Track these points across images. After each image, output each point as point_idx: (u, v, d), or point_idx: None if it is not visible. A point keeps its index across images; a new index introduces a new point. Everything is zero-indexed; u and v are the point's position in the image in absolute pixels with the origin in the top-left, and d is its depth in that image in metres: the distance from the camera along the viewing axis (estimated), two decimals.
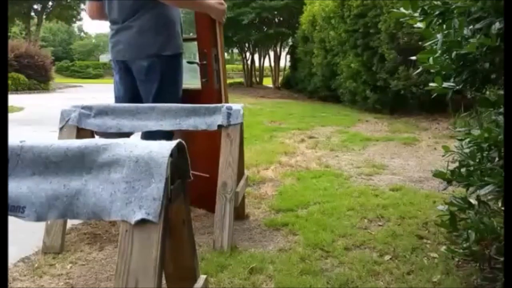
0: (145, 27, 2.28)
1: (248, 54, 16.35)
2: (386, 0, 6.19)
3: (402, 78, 6.23)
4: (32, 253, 2.02)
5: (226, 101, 2.34)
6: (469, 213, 1.63)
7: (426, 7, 1.55)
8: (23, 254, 2.00)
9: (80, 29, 48.59)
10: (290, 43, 15.00)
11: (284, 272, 1.78)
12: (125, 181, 0.93)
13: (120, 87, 2.48)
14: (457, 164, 1.65)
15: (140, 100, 2.36)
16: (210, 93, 2.35)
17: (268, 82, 16.93)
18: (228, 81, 4.00)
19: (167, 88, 2.32)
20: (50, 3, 23.55)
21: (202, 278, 1.26)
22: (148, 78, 2.32)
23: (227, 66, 2.94)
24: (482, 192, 1.44)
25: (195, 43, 2.41)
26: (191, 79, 2.84)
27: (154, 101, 2.28)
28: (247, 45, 15.93)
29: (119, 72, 2.44)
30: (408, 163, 3.79)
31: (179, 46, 2.37)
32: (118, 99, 2.49)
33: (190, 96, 2.47)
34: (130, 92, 2.43)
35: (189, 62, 2.55)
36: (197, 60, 2.40)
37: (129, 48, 2.33)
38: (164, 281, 1.10)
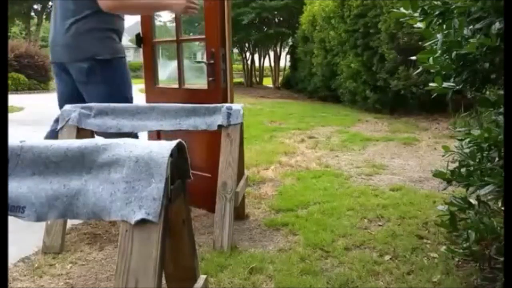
0: (82, 30, 2.24)
1: (248, 54, 16.32)
2: (386, 0, 6.19)
3: (402, 78, 6.23)
4: (32, 253, 2.02)
5: (232, 101, 2.34)
6: (469, 213, 1.63)
7: (426, 7, 1.55)
8: (23, 254, 2.00)
9: None
10: (290, 43, 14.96)
11: (284, 272, 1.78)
12: (125, 181, 0.93)
13: (62, 91, 2.42)
14: (457, 164, 1.65)
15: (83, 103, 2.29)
16: (216, 92, 2.36)
17: (268, 82, 16.90)
18: None
19: (112, 92, 2.29)
20: (50, 3, 23.54)
21: (202, 278, 1.26)
22: (89, 80, 2.28)
23: None
24: (482, 192, 1.44)
25: (196, 43, 2.41)
26: (194, 79, 2.85)
27: None
28: (247, 45, 15.89)
29: (59, 75, 2.40)
30: (408, 163, 3.79)
31: (117, 50, 2.34)
32: (61, 105, 2.31)
33: (195, 96, 2.47)
34: (73, 93, 2.35)
35: (197, 62, 2.54)
36: (203, 59, 2.40)
37: (67, 51, 2.29)
38: (164, 281, 1.10)
